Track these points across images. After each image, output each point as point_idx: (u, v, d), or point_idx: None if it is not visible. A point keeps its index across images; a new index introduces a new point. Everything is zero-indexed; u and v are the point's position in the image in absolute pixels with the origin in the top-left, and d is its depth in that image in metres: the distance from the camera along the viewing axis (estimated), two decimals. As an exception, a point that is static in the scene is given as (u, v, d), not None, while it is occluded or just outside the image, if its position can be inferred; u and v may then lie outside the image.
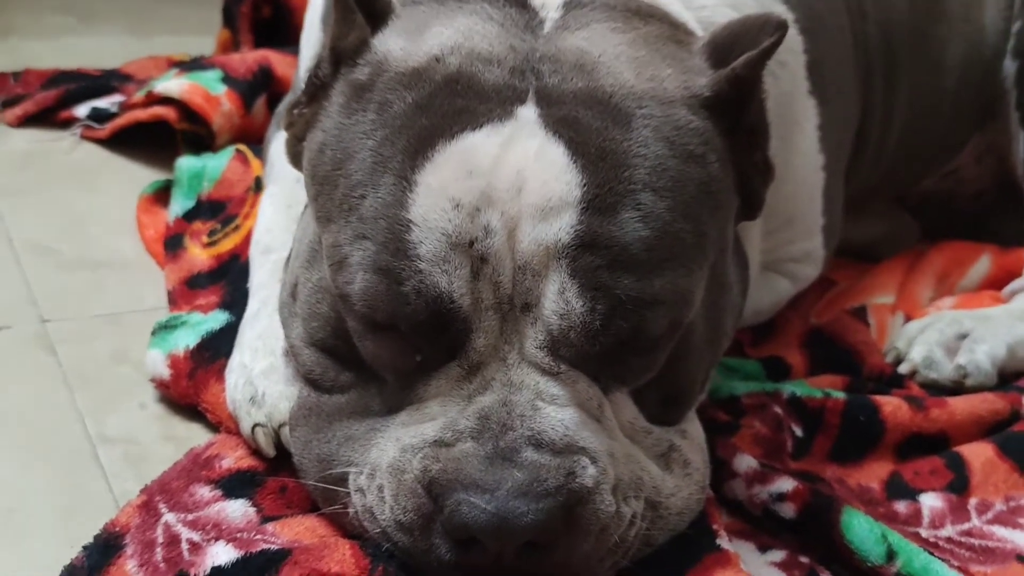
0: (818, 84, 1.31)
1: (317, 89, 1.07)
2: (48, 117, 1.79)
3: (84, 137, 1.76)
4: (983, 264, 1.64)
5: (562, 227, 0.91)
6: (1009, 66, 1.60)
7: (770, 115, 1.13)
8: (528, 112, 0.96)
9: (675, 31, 1.09)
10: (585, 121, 0.95)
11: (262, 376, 1.09)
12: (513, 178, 0.92)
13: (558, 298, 0.92)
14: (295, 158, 1.11)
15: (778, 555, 1.08)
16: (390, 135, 0.96)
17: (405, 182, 0.93)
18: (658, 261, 0.94)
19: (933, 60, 1.57)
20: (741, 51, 1.01)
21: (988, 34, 1.60)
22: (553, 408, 0.93)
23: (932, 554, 1.06)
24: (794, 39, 1.28)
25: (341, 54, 1.04)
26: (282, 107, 1.57)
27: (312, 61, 1.13)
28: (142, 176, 1.65)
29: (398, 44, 1.02)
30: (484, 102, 0.96)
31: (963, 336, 1.41)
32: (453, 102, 0.96)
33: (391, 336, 0.95)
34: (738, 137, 1.05)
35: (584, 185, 0.92)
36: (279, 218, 1.30)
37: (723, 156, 1.02)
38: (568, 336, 0.93)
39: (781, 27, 1.00)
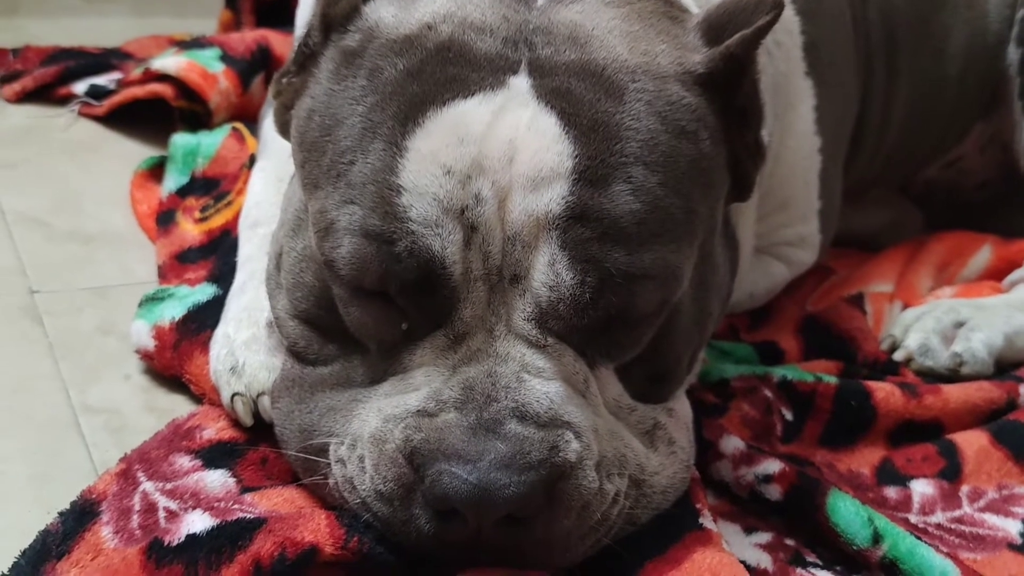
0: (815, 66, 1.30)
1: (307, 57, 1.06)
2: (47, 93, 1.79)
3: (82, 114, 1.76)
4: (984, 254, 1.63)
5: (553, 198, 0.90)
6: (1013, 54, 1.58)
7: (765, 95, 1.12)
8: (520, 82, 0.94)
9: (669, 7, 1.07)
10: (578, 92, 0.94)
11: (243, 347, 1.08)
12: (504, 147, 0.91)
13: (548, 270, 0.91)
14: (283, 127, 1.10)
15: (764, 537, 1.07)
16: (380, 101, 0.95)
17: (395, 148, 0.92)
18: (648, 235, 0.92)
19: (935, 47, 1.56)
20: (736, 29, 1.00)
21: (992, 21, 1.58)
22: (539, 381, 0.92)
23: (920, 539, 1.05)
24: (791, 20, 1.27)
25: (332, 21, 1.03)
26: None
27: (303, 30, 1.12)
28: (138, 153, 1.64)
29: (390, 11, 1.01)
30: (476, 71, 0.95)
31: (960, 324, 1.40)
32: (445, 70, 0.95)
33: (377, 303, 0.94)
34: (731, 117, 1.03)
35: (576, 156, 0.91)
36: (269, 192, 1.30)
37: (715, 135, 1.01)
38: (557, 308, 0.92)
39: (776, 6, 0.99)
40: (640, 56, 0.98)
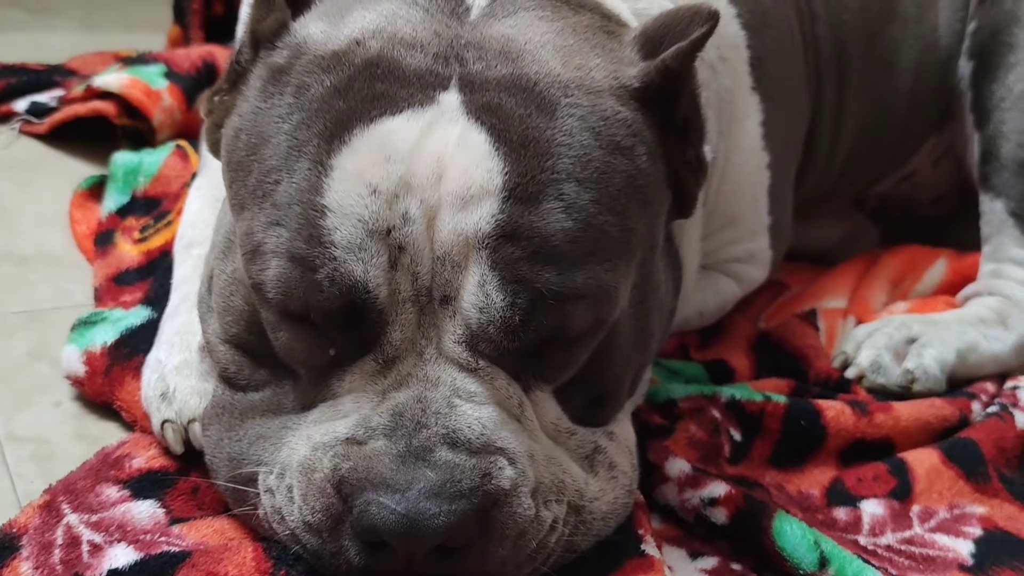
0: (762, 81, 1.28)
1: (238, 75, 1.03)
2: (-13, 112, 1.75)
3: (23, 132, 1.72)
4: (938, 269, 1.61)
5: (482, 216, 0.88)
6: (964, 67, 1.57)
7: (708, 111, 1.10)
8: (450, 98, 0.92)
9: (606, 22, 1.06)
10: (508, 108, 0.92)
11: (175, 372, 1.05)
12: (433, 165, 0.89)
13: (478, 291, 0.88)
14: (214, 146, 1.07)
15: (710, 562, 1.05)
16: (306, 119, 0.93)
17: (321, 167, 0.90)
18: (581, 254, 0.90)
19: (886, 61, 1.54)
20: (672, 42, 0.98)
21: (942, 35, 1.57)
22: (470, 406, 0.90)
23: (869, 562, 1.03)
24: (736, 34, 1.25)
25: (260, 37, 1.00)
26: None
27: (237, 46, 1.10)
28: (80, 172, 1.61)
29: (319, 27, 0.99)
30: (405, 87, 0.92)
31: (912, 341, 1.38)
32: (372, 86, 0.92)
33: (305, 327, 0.92)
34: (670, 132, 1.01)
35: (506, 173, 0.89)
36: (205, 212, 1.27)
37: (653, 150, 0.99)
38: (487, 331, 0.89)
39: (711, 18, 0.97)
40: (574, 71, 0.96)
